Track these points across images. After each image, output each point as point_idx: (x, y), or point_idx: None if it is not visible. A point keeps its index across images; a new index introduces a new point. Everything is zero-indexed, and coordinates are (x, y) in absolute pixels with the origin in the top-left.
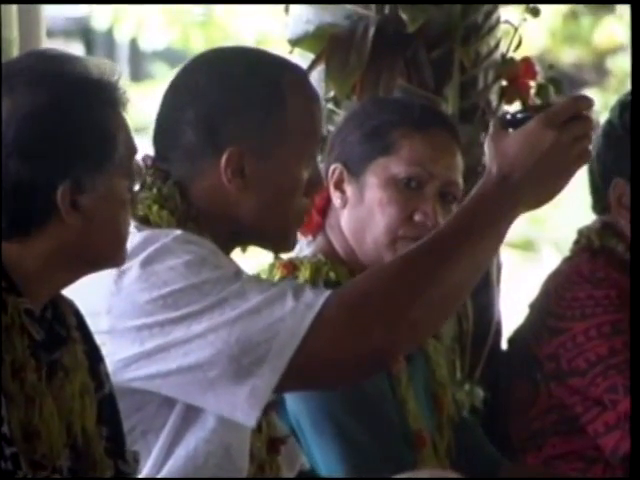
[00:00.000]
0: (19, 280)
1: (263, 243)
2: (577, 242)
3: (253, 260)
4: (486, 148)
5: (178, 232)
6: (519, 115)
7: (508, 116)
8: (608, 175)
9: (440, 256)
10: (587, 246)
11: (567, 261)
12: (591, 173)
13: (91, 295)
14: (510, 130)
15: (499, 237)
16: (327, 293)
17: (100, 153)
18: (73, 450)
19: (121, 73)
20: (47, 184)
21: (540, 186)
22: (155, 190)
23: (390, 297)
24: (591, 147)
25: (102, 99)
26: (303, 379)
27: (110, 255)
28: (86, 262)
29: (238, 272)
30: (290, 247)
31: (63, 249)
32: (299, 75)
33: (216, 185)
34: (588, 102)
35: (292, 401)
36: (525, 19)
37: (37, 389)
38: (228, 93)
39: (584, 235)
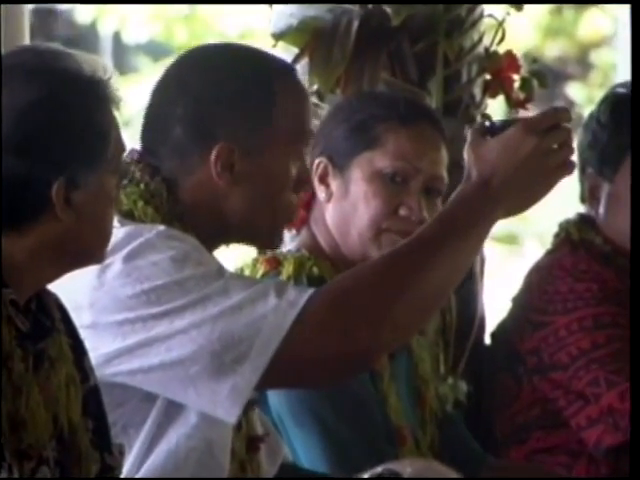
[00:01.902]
0: (5, 272)
1: (249, 240)
2: (557, 235)
3: (236, 255)
4: (465, 155)
5: (161, 227)
6: (497, 123)
7: (487, 124)
8: (582, 165)
9: (421, 257)
10: (567, 239)
11: (548, 255)
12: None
13: (73, 290)
14: (488, 137)
15: (479, 240)
16: (310, 291)
17: (95, 150)
18: (59, 441)
19: (112, 70)
20: (43, 180)
21: (520, 191)
22: (142, 185)
23: (373, 297)
24: (574, 158)
25: (98, 96)
26: (285, 377)
27: (95, 251)
28: (72, 257)
29: (221, 269)
30: (276, 244)
31: (52, 244)
32: (289, 73)
33: (205, 181)
34: (567, 114)
35: (274, 396)
36: (509, 13)
37: (24, 379)
38: (218, 89)
39: (563, 228)
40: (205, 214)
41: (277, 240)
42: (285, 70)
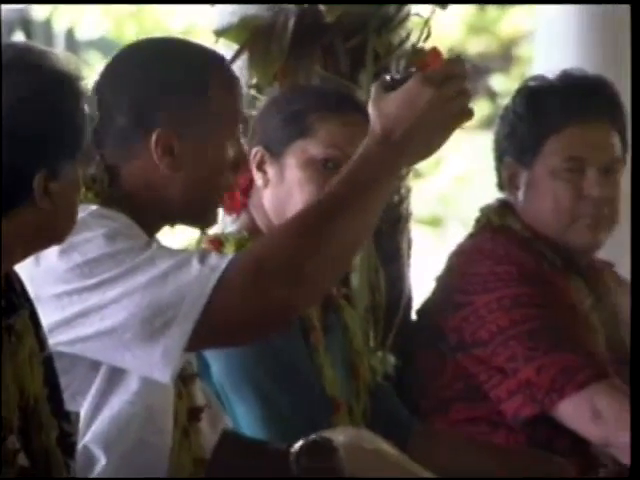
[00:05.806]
0: None
1: (187, 220)
2: (478, 220)
3: (181, 236)
4: (370, 111)
5: (94, 207)
6: (398, 77)
7: (387, 78)
8: (500, 154)
9: (329, 214)
10: (487, 225)
11: (469, 239)
12: (493, 152)
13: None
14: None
15: (384, 193)
16: (230, 256)
17: (73, 144)
18: (21, 410)
19: (81, 65)
20: (27, 171)
21: (421, 140)
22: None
23: (286, 256)
24: (471, 105)
25: (77, 92)
26: (213, 337)
27: (63, 234)
28: (43, 240)
29: (149, 242)
30: (211, 222)
31: (29, 229)
32: (220, 61)
33: (147, 166)
34: (461, 63)
35: (215, 366)
36: (434, 11)
37: (1, 357)
38: (155, 79)
39: (484, 214)
40: (146, 199)
41: (212, 218)
42: (217, 60)
